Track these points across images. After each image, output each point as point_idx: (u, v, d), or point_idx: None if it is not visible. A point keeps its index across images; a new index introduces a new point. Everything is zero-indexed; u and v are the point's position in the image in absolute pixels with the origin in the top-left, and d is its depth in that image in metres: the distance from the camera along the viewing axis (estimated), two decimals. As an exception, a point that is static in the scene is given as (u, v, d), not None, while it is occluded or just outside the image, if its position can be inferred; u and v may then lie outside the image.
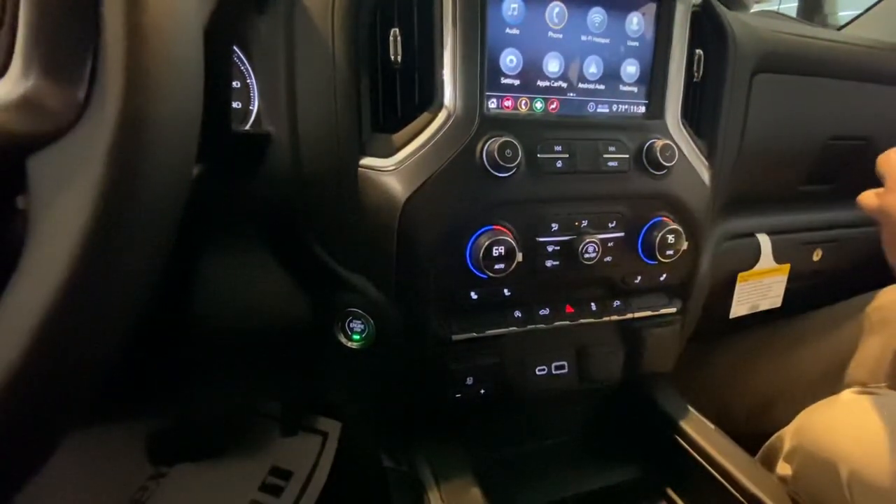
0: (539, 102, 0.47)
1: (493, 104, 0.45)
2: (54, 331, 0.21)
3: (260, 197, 0.45)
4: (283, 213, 0.45)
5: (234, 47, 0.42)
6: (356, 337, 0.49)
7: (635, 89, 0.50)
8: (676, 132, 0.50)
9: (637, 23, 0.48)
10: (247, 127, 0.44)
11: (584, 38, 0.46)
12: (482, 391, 0.50)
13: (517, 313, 0.50)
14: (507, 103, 0.46)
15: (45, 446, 0.24)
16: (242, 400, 0.78)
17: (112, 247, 0.21)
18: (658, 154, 0.47)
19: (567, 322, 0.52)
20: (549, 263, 0.48)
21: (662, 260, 0.50)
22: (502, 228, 0.44)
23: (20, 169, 0.21)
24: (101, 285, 0.22)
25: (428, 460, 0.51)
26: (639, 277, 0.53)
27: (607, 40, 0.47)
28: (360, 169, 0.43)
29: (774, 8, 1.18)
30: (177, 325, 0.46)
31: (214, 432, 0.79)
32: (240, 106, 0.44)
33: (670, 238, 0.49)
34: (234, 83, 0.43)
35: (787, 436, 0.54)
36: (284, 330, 0.51)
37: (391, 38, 0.42)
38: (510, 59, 0.44)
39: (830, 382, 0.63)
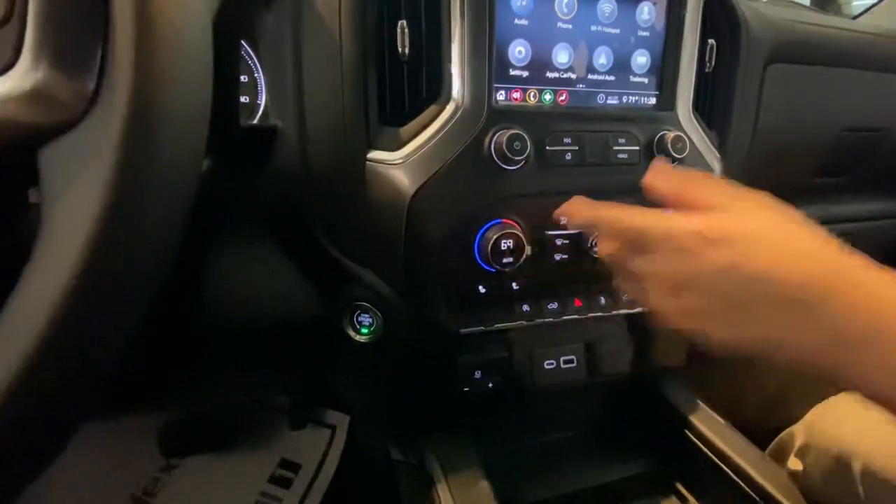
0: (548, 94, 0.46)
1: (501, 96, 0.44)
2: (68, 322, 0.21)
3: (268, 191, 0.45)
4: (291, 207, 0.45)
5: (242, 41, 0.42)
6: (364, 330, 0.49)
7: (646, 80, 0.49)
8: (688, 124, 0.50)
9: (648, 12, 0.47)
10: (254, 121, 0.44)
11: (593, 28, 0.46)
12: (490, 385, 0.50)
13: (525, 307, 0.50)
14: (516, 95, 0.45)
15: (59, 437, 0.24)
16: (252, 393, 0.79)
17: (123, 238, 0.21)
18: (669, 146, 0.46)
19: (576, 316, 0.52)
20: (557, 257, 0.47)
21: (673, 253, 0.49)
22: (511, 222, 0.44)
23: (31, 162, 0.21)
24: (112, 277, 0.22)
25: (436, 453, 0.51)
26: (648, 271, 0.52)
27: (617, 30, 0.46)
28: (367, 162, 0.43)
29: (787, -3, 1.16)
30: (187, 319, 0.47)
31: (225, 425, 0.80)
32: (247, 100, 0.44)
33: (681, 231, 0.48)
34: (241, 77, 0.43)
35: (799, 431, 0.53)
36: (293, 324, 0.51)
37: (398, 31, 0.42)
38: (518, 51, 0.44)
39: (843, 378, 0.63)
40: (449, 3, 0.41)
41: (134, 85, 0.20)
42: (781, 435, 0.56)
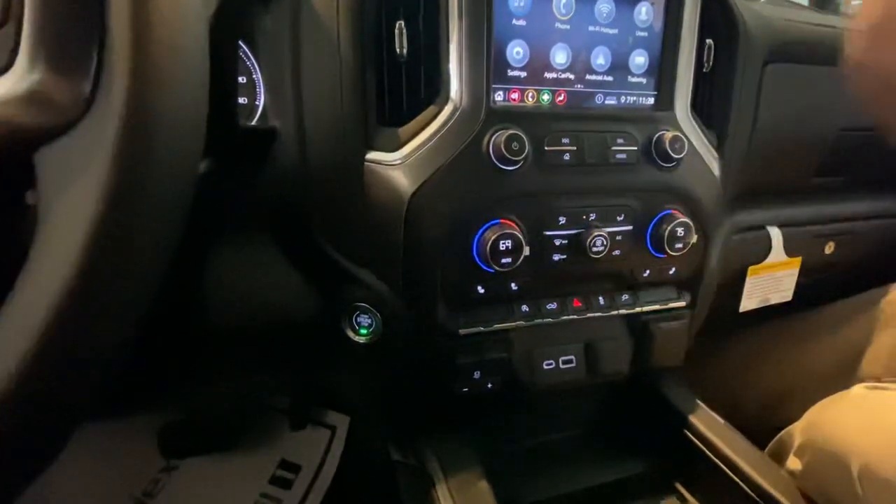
0: (546, 94, 0.46)
1: (499, 97, 0.45)
2: (64, 324, 0.21)
3: (267, 192, 0.45)
4: (290, 208, 0.45)
5: (240, 42, 0.42)
6: (363, 331, 0.49)
7: (644, 80, 0.49)
8: (686, 124, 0.50)
9: (646, 13, 0.47)
10: (253, 122, 0.44)
11: (591, 28, 0.46)
12: (489, 385, 0.50)
13: (524, 307, 0.50)
14: (514, 96, 0.45)
15: (57, 438, 0.24)
16: (252, 394, 0.79)
17: (120, 240, 0.21)
18: (667, 146, 0.46)
19: (574, 316, 0.52)
20: (556, 257, 0.47)
21: (671, 253, 0.49)
22: (509, 222, 0.44)
23: (29, 164, 0.21)
24: (110, 279, 0.22)
25: (436, 454, 0.51)
26: (647, 271, 0.52)
27: (615, 31, 0.46)
28: (366, 163, 0.43)
29: (786, -3, 1.16)
30: (186, 320, 0.47)
31: (225, 426, 0.80)
32: (246, 101, 0.44)
33: (679, 231, 0.48)
34: (240, 78, 0.43)
35: (798, 431, 0.53)
36: (292, 324, 0.51)
37: (397, 31, 0.42)
38: (517, 51, 0.44)
39: (843, 377, 0.63)
40: (447, 4, 0.41)
41: (130, 87, 0.20)
42: (780, 434, 0.57)
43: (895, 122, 0.28)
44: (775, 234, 0.66)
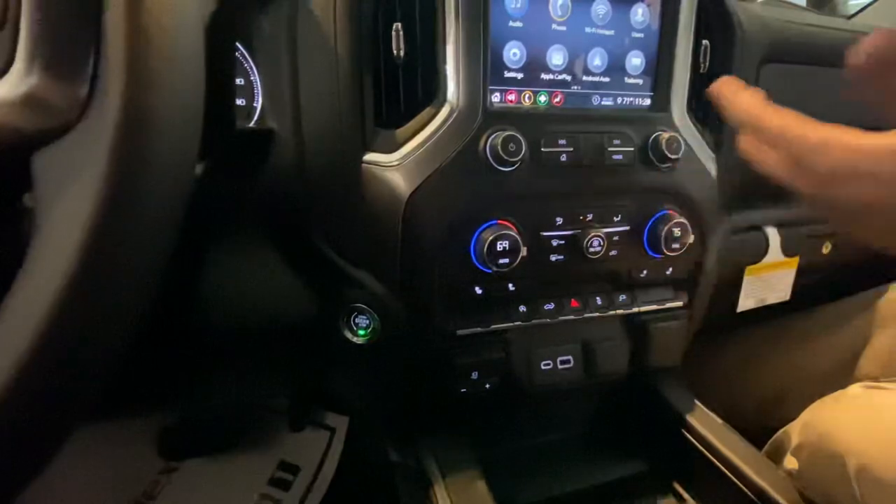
0: (543, 96, 0.46)
1: (496, 98, 0.45)
2: (61, 326, 0.21)
3: (265, 194, 0.45)
4: (288, 210, 0.46)
5: (238, 44, 0.42)
6: (361, 332, 0.49)
7: (640, 81, 0.49)
8: (682, 124, 0.50)
9: (642, 14, 0.47)
10: (251, 124, 0.44)
11: (588, 30, 0.46)
12: (487, 385, 0.50)
13: (522, 308, 0.50)
14: (511, 97, 0.45)
15: (54, 440, 0.24)
16: (251, 395, 0.79)
17: (117, 242, 0.21)
18: (663, 147, 0.46)
19: (572, 316, 0.52)
20: (553, 258, 0.47)
21: (668, 253, 0.49)
22: (506, 223, 0.44)
23: (26, 167, 0.21)
24: (106, 280, 0.22)
25: (434, 455, 0.52)
26: (644, 271, 0.52)
27: (612, 32, 0.47)
28: (363, 164, 0.43)
29: (783, -3, 1.16)
30: (185, 322, 0.47)
31: (224, 427, 0.80)
32: (244, 103, 0.44)
33: (676, 231, 0.48)
34: (237, 80, 0.43)
35: (795, 430, 0.53)
36: (291, 326, 0.51)
37: (393, 33, 0.42)
38: (513, 53, 0.44)
39: (840, 377, 0.63)
40: (444, 5, 0.42)
41: (126, 90, 0.20)
42: (778, 434, 0.57)
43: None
44: (773, 234, 0.66)
